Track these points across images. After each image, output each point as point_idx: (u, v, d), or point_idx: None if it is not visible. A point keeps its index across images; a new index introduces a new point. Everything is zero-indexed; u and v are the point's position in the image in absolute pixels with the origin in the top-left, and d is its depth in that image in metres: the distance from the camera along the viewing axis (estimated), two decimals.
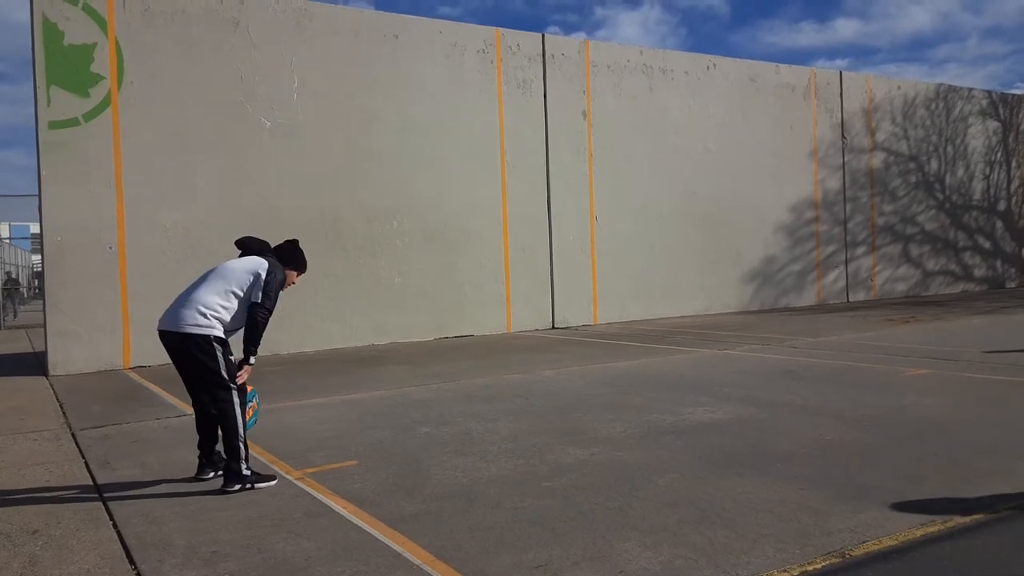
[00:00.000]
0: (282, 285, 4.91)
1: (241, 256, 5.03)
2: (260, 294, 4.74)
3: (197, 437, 5.01)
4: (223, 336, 4.74)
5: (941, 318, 13.99)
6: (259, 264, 4.85)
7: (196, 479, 4.95)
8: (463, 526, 3.98)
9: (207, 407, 4.82)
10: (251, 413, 5.01)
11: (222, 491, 4.67)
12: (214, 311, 4.71)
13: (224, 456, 4.78)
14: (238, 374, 4.77)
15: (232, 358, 4.81)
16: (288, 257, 5.10)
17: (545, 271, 14.49)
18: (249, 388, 4.99)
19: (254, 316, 4.72)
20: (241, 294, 4.78)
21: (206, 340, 4.67)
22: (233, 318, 4.78)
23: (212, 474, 4.95)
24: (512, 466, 5.07)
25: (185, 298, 4.81)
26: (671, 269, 15.90)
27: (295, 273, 5.13)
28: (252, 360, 4.80)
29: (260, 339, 4.79)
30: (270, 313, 4.78)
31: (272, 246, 5.16)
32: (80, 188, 10.65)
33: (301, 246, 5.22)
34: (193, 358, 4.70)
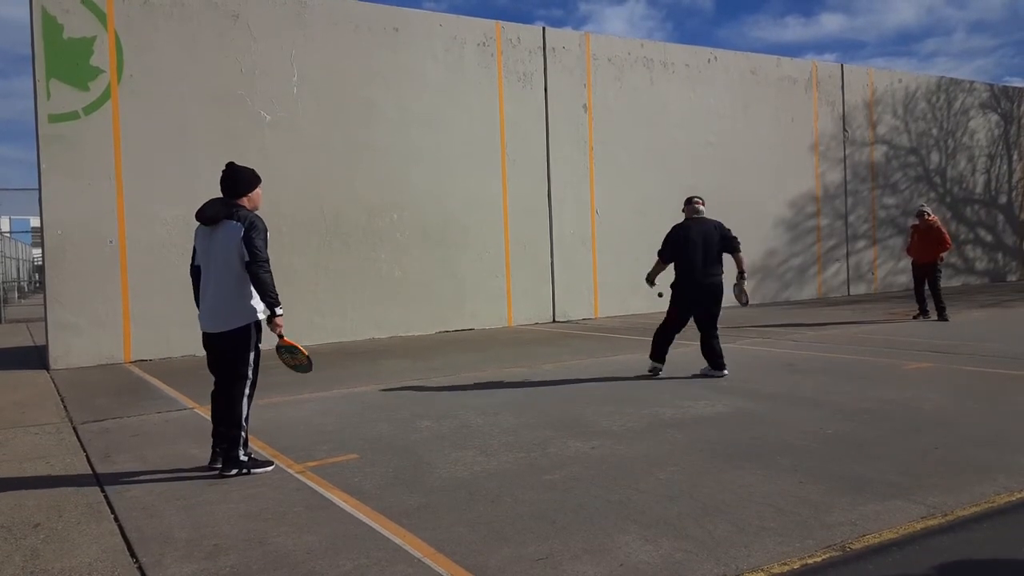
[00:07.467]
0: (266, 232, 4.90)
1: (213, 229, 4.87)
2: (248, 252, 4.75)
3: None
4: (260, 317, 4.91)
5: None
6: (235, 229, 4.78)
7: (210, 468, 5.04)
8: (464, 519, 3.99)
9: (220, 392, 4.98)
10: (305, 359, 5.06)
11: (220, 475, 4.86)
12: (249, 296, 4.86)
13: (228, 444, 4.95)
14: (276, 330, 4.88)
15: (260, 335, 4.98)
16: (241, 179, 4.95)
17: (546, 264, 14.48)
18: (290, 341, 5.03)
19: (256, 274, 4.76)
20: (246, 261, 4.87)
21: (246, 330, 4.86)
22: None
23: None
24: (513, 459, 5.08)
25: (221, 297, 4.88)
26: None
27: (259, 192, 5.04)
28: (279, 311, 4.87)
29: (274, 290, 4.83)
30: (268, 262, 4.82)
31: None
32: (80, 182, 10.64)
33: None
34: (231, 351, 4.89)
